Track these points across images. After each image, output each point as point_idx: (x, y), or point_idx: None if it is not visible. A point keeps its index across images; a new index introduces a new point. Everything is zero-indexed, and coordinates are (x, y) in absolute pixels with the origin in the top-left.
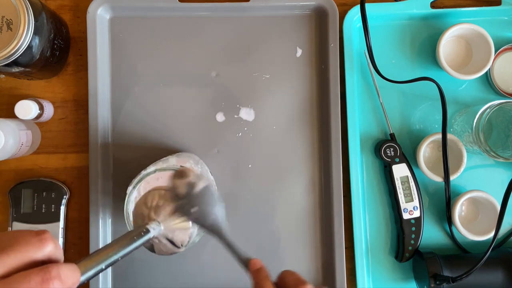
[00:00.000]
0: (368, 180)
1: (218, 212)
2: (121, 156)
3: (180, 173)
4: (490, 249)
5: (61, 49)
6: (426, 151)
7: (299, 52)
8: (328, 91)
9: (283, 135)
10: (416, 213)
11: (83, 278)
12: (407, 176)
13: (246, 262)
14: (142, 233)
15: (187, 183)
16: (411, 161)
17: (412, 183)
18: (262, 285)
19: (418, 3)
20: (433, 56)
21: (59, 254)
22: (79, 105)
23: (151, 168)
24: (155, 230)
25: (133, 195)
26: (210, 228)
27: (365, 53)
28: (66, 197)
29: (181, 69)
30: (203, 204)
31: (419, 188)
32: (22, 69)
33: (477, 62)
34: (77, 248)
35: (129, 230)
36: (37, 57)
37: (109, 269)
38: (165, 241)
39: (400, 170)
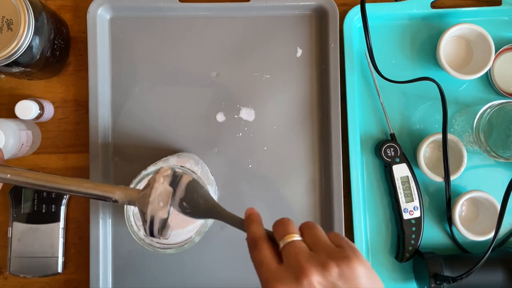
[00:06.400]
0: (368, 180)
1: (206, 193)
2: (121, 156)
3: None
4: (490, 249)
5: (61, 49)
6: (426, 151)
7: (300, 52)
8: (329, 91)
9: (283, 135)
10: (417, 213)
11: None
12: (408, 176)
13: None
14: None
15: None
16: (411, 161)
17: (412, 183)
18: (249, 229)
19: (418, 3)
20: (434, 56)
21: None
22: (79, 105)
23: (151, 168)
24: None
25: None
26: (204, 211)
27: (365, 53)
28: (66, 197)
29: (181, 69)
30: (189, 193)
31: (419, 188)
32: (23, 69)
33: (477, 62)
34: (77, 248)
35: (130, 230)
36: (37, 57)
37: (109, 269)
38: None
39: (400, 170)
